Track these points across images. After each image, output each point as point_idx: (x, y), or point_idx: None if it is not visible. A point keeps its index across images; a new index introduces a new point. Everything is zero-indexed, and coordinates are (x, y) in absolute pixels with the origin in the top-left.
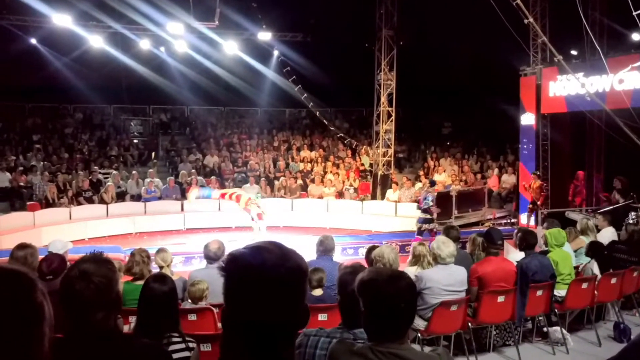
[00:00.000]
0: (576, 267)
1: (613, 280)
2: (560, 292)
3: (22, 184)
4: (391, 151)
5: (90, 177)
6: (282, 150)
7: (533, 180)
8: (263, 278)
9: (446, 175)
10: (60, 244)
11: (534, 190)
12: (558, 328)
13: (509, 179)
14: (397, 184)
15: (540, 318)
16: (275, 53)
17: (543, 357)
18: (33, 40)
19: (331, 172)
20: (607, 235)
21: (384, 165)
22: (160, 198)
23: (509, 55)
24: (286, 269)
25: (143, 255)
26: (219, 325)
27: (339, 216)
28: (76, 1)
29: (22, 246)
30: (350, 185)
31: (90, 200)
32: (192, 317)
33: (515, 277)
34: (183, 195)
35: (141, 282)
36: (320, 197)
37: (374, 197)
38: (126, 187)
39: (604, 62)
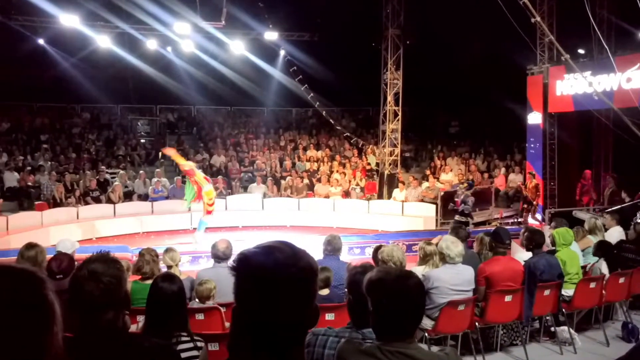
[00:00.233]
0: (584, 267)
1: (621, 280)
2: (567, 291)
3: (30, 183)
4: (398, 150)
5: (97, 177)
6: (288, 150)
7: (529, 180)
8: (275, 278)
9: (453, 175)
10: (69, 243)
11: (529, 190)
12: (566, 328)
13: (515, 178)
14: (403, 183)
15: (547, 318)
16: (282, 53)
17: (551, 357)
18: (41, 41)
19: (337, 171)
20: (615, 234)
21: (390, 164)
22: (167, 198)
23: (516, 54)
24: (298, 269)
25: (152, 255)
26: (227, 324)
27: (345, 215)
28: (84, 1)
29: (31, 245)
30: (357, 184)
31: (97, 200)
32: (200, 316)
33: (523, 277)
34: None
35: (149, 282)
36: (327, 197)
37: (380, 197)
38: (133, 186)
39: (611, 61)
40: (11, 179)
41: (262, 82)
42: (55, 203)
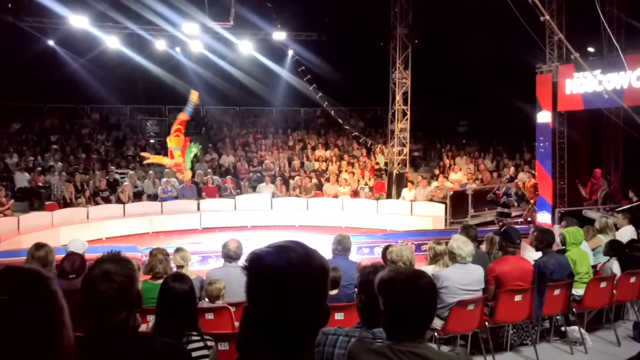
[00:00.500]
0: (594, 266)
1: (632, 280)
2: (578, 291)
3: (40, 184)
4: (406, 150)
5: (107, 177)
6: (297, 150)
7: (528, 179)
8: (288, 277)
9: (462, 174)
10: (80, 243)
11: (527, 189)
12: (576, 327)
13: (524, 177)
14: (412, 182)
15: (558, 317)
16: (290, 52)
17: (561, 356)
18: (51, 42)
19: (346, 171)
20: (627, 234)
21: (399, 164)
22: (176, 197)
23: (525, 52)
24: (311, 269)
25: (164, 254)
26: (236, 324)
27: (354, 215)
28: (93, 2)
29: (40, 245)
30: (366, 184)
31: (107, 200)
32: (210, 316)
33: (533, 276)
34: (200, 195)
35: (160, 281)
36: (336, 196)
37: (389, 196)
38: (143, 186)
39: (622, 59)
40: (22, 179)
41: (271, 82)
42: (65, 203)
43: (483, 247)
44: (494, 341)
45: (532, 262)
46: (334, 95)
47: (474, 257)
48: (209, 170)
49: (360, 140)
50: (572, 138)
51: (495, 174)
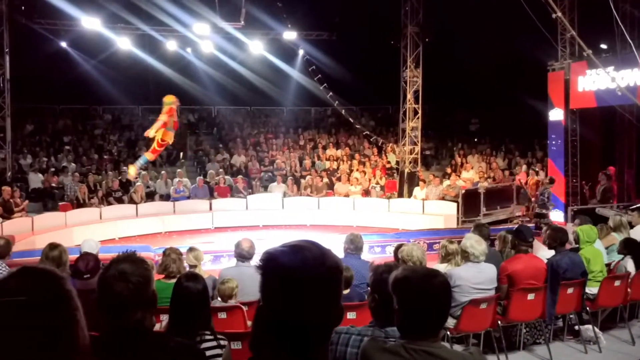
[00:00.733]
0: (608, 265)
1: None
2: (591, 289)
3: (54, 184)
4: (418, 148)
5: (119, 178)
6: (308, 149)
7: (530, 177)
8: (303, 277)
9: (474, 172)
10: (94, 243)
11: (530, 187)
12: (590, 326)
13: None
14: (424, 181)
15: (571, 316)
16: (301, 52)
17: (575, 355)
18: (63, 44)
19: (357, 170)
20: None
21: (410, 162)
22: (188, 197)
23: (537, 50)
24: (326, 269)
25: (177, 253)
26: (249, 323)
27: (365, 214)
28: (104, 2)
29: (54, 246)
30: (377, 183)
31: (120, 200)
32: (222, 315)
33: (546, 275)
34: (212, 195)
35: (173, 281)
36: (347, 196)
37: (400, 195)
38: (155, 187)
39: (635, 55)
40: (36, 180)
41: (281, 81)
42: (78, 204)
43: (496, 245)
44: (507, 340)
45: (545, 261)
46: (344, 95)
47: (486, 255)
48: (221, 170)
49: (371, 139)
50: (585, 136)
51: (507, 172)
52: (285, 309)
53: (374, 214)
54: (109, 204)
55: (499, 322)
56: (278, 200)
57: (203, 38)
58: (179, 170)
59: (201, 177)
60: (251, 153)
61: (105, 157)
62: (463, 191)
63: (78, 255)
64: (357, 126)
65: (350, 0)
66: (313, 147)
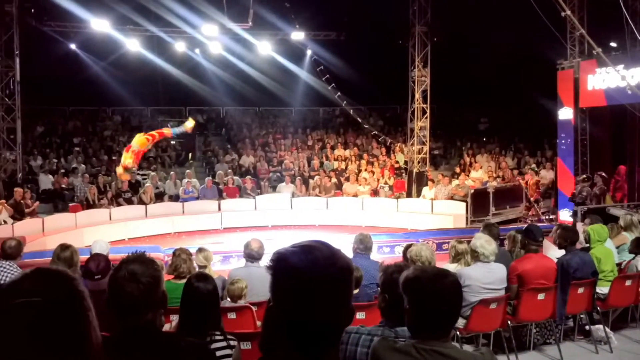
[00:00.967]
0: (618, 264)
1: None
2: (602, 289)
3: (64, 186)
4: (426, 148)
5: (129, 179)
6: (316, 149)
7: (530, 177)
8: (314, 278)
9: (483, 172)
10: (104, 244)
11: (530, 187)
12: (601, 326)
13: (547, 175)
14: (433, 181)
15: (582, 316)
16: (309, 53)
17: (586, 356)
18: (73, 45)
19: (366, 170)
20: None
21: (419, 162)
22: (197, 198)
23: (546, 48)
24: (337, 269)
25: (187, 254)
26: (259, 323)
27: (374, 214)
28: (113, 4)
29: (66, 247)
30: (385, 183)
31: (129, 201)
32: (232, 315)
33: (556, 275)
34: (220, 195)
35: (183, 281)
36: (355, 196)
37: (409, 195)
38: (164, 187)
39: None
40: (46, 181)
41: (289, 82)
42: (88, 204)
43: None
44: (517, 340)
45: (555, 260)
46: (352, 95)
47: (496, 255)
48: (229, 170)
49: (379, 139)
50: (595, 135)
51: (516, 172)
52: (295, 309)
53: (382, 214)
54: (119, 204)
55: (509, 322)
56: (287, 200)
57: (211, 39)
58: (187, 171)
59: (210, 178)
60: (260, 153)
61: (114, 158)
62: (472, 191)
63: (89, 256)
64: (366, 126)
65: (358, 0)
66: (321, 147)
